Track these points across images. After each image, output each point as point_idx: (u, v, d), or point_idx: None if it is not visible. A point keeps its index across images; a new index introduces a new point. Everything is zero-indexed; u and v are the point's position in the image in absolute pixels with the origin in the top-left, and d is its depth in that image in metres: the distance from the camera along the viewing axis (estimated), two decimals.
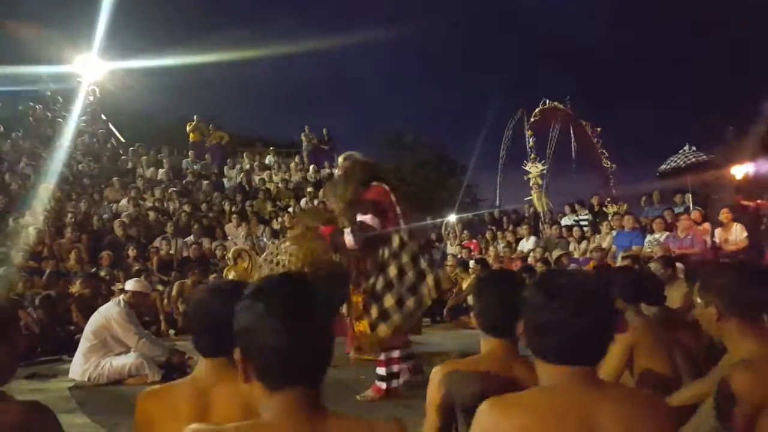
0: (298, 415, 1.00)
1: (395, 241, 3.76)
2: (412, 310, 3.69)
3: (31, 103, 15.37)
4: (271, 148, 16.59)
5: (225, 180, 14.08)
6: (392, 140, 27.20)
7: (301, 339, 0.99)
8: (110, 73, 16.48)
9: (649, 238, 7.88)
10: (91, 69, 15.46)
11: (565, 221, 10.36)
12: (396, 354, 3.80)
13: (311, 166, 15.05)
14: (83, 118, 14.99)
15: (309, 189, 13.26)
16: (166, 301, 7.41)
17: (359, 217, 3.70)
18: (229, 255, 6.13)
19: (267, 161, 15.78)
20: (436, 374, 1.76)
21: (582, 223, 9.95)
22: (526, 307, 1.29)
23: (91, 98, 15.88)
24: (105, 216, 10.09)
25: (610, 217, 9.15)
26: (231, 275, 5.46)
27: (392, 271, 3.71)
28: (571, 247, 8.96)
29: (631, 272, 3.07)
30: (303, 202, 12.64)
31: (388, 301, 3.66)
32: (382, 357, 3.79)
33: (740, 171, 10.66)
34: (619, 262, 6.11)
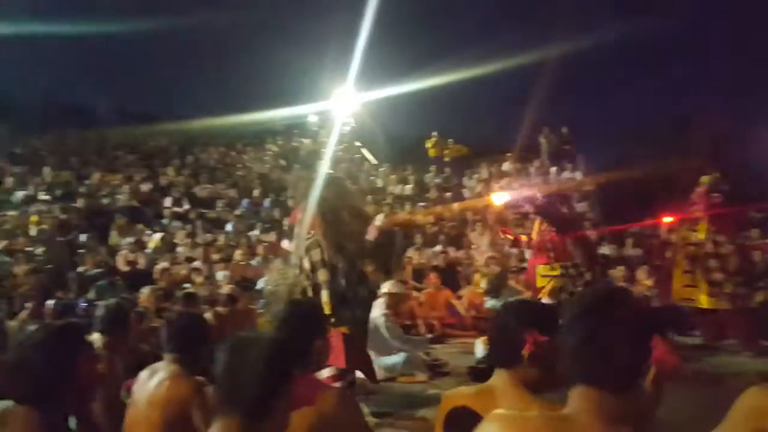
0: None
1: None
2: None
3: (302, 139, 18.43)
4: (508, 154, 16.56)
5: (465, 191, 14.55)
6: (633, 137, 24.40)
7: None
8: (363, 103, 18.61)
9: None
10: (346, 101, 17.67)
11: None
12: None
13: (552, 169, 14.50)
14: (341, 146, 17.31)
15: None
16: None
17: None
18: (480, 262, 6.28)
19: (505, 168, 15.78)
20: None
21: None
22: None
23: (347, 128, 18.22)
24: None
25: None
26: (483, 282, 5.60)
27: None
28: None
29: None
30: None
31: None
32: None
33: None
34: None
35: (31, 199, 10.27)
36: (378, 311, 5.50)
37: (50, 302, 5.35)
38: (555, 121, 16.87)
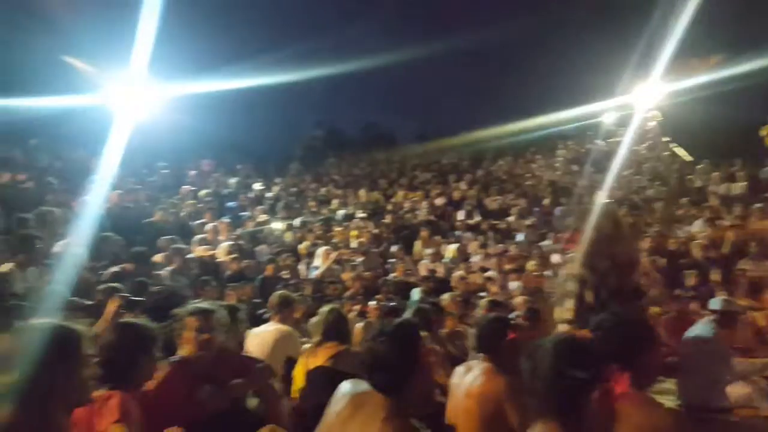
0: None
1: None
2: None
3: (597, 141, 17.51)
4: None
5: None
6: None
7: None
8: (668, 95, 16.69)
9: None
10: (650, 94, 16.09)
11: None
12: None
13: None
14: (645, 144, 15.80)
15: None
16: None
17: None
18: None
19: None
20: None
21: None
22: None
23: (652, 124, 16.56)
24: (679, 237, 10.12)
25: None
26: None
27: None
28: None
29: None
30: None
31: None
32: None
33: None
34: None
35: (350, 217, 12.38)
36: (706, 330, 4.82)
37: (372, 303, 6.36)
38: None
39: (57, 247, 6.04)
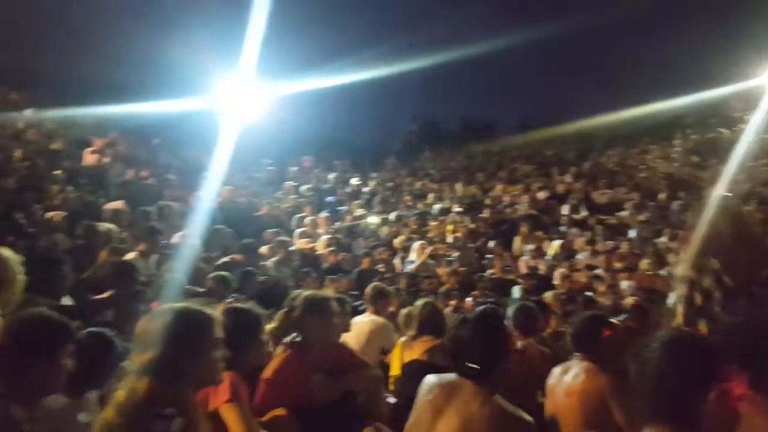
0: None
1: None
2: None
3: (720, 129, 16.04)
4: None
5: None
6: None
7: None
8: None
9: None
10: None
11: None
12: None
13: None
14: None
15: None
16: None
17: None
18: None
19: None
20: None
21: None
22: None
23: None
24: None
25: None
26: None
27: None
28: None
29: None
30: None
31: None
32: None
33: None
34: None
35: (446, 211, 12.33)
36: None
37: (469, 299, 6.32)
38: None
39: (175, 238, 6.59)
